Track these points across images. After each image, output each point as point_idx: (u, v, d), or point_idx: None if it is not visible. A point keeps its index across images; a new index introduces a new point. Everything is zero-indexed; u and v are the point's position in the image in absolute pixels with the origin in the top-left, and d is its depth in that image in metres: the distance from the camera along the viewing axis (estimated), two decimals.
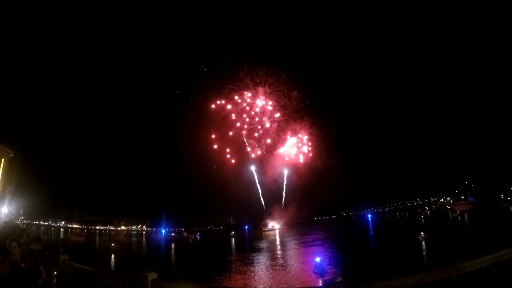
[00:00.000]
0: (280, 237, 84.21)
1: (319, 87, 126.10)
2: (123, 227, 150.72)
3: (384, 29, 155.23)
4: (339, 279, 3.87)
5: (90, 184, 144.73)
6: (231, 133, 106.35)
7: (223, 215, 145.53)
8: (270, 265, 37.99)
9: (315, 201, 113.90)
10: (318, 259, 30.98)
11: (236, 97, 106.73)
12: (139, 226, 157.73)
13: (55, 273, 8.11)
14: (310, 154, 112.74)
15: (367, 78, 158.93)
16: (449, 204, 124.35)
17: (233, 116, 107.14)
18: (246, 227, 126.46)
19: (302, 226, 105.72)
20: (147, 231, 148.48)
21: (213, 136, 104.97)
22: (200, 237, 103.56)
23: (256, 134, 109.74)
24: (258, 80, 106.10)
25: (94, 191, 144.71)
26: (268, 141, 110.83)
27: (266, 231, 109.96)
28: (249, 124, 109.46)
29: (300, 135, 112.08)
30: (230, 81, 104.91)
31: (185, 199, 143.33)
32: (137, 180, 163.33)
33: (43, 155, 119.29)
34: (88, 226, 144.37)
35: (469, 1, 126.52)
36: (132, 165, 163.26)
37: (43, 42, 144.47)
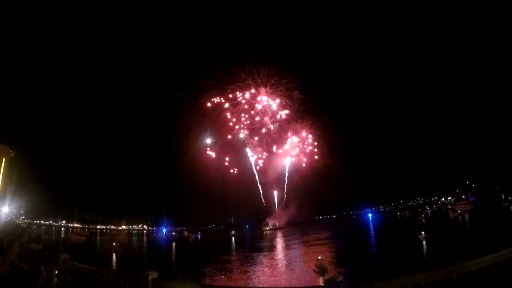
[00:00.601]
0: (280, 236, 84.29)
1: (321, 87, 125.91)
2: (124, 227, 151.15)
3: (384, 30, 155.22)
4: (340, 278, 3.86)
5: (91, 184, 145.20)
6: (229, 137, 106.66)
7: (224, 215, 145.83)
8: (271, 264, 38.04)
9: (316, 201, 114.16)
10: (319, 258, 31.05)
11: (239, 97, 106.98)
12: (139, 226, 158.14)
13: (56, 272, 8.12)
14: (311, 154, 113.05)
15: (368, 78, 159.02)
16: (450, 203, 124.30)
17: (230, 117, 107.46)
18: (247, 226, 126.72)
19: (303, 226, 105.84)
20: (148, 231, 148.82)
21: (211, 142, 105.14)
22: (200, 237, 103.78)
23: (256, 138, 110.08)
24: (259, 80, 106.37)
25: (95, 191, 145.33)
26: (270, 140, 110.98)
27: (267, 230, 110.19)
28: (251, 124, 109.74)
29: (301, 135, 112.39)
30: (232, 82, 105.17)
31: (185, 198, 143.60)
32: (137, 179, 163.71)
33: (44, 155, 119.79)
34: (89, 226, 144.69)
35: (471, 1, 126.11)
36: (133, 164, 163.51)
37: (44, 43, 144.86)
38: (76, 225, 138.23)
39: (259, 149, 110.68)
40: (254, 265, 37.93)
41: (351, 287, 4.22)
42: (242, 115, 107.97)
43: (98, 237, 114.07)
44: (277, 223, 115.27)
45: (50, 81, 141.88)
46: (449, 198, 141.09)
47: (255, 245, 63.21)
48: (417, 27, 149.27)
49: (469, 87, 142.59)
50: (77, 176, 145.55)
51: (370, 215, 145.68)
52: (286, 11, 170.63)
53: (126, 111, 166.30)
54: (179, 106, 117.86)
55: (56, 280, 8.08)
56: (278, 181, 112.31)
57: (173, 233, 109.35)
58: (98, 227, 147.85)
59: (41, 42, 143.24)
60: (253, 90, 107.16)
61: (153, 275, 5.31)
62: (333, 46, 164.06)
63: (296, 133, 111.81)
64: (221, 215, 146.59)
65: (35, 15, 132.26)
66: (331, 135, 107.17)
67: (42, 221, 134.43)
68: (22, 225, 33.55)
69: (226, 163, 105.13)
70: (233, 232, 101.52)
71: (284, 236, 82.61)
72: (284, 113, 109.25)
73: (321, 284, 3.90)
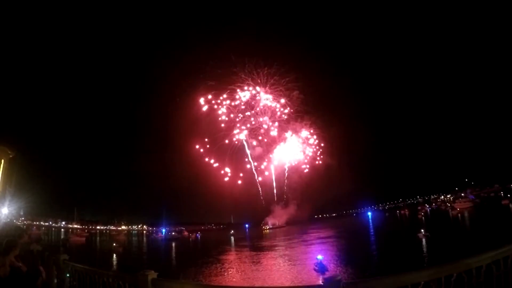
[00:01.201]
0: (280, 235, 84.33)
1: (320, 86, 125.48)
2: (123, 227, 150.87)
3: (384, 30, 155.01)
4: (340, 276, 3.86)
5: (90, 184, 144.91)
6: (229, 138, 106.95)
7: (224, 214, 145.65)
8: (270, 263, 38.06)
9: (316, 199, 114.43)
10: (319, 257, 31.14)
11: (238, 96, 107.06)
12: (139, 226, 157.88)
13: (56, 273, 8.11)
14: (311, 153, 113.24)
15: (368, 76, 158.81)
16: (449, 201, 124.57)
17: (230, 117, 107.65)
18: (247, 225, 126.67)
19: (303, 224, 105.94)
20: (147, 231, 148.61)
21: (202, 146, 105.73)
22: (200, 236, 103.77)
23: (256, 141, 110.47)
24: (259, 81, 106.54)
25: (95, 191, 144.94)
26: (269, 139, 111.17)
27: (266, 229, 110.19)
28: (251, 124, 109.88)
29: (301, 134, 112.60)
30: (231, 82, 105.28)
31: (185, 198, 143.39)
32: (137, 179, 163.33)
33: (43, 156, 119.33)
34: (89, 226, 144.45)
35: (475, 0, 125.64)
36: (132, 164, 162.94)
37: (44, 43, 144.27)
38: (75, 226, 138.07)
39: (258, 148, 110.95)
40: (254, 264, 37.96)
41: (351, 286, 4.21)
42: (242, 115, 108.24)
43: (98, 238, 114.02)
44: (277, 222, 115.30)
45: (50, 81, 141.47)
46: (448, 196, 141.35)
47: (254, 244, 63.25)
48: (415, 27, 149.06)
49: (468, 84, 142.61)
50: (77, 177, 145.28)
51: (369, 213, 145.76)
52: (286, 11, 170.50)
53: (126, 111, 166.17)
54: (179, 106, 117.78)
55: (55, 281, 8.07)
56: (278, 181, 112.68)
57: (173, 233, 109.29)
58: (98, 227, 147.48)
59: (42, 43, 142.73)
60: (253, 91, 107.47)
61: (152, 275, 5.29)
62: (333, 46, 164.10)
63: (295, 132, 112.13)
64: (221, 215, 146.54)
65: (35, 15, 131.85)
66: (330, 134, 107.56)
67: (41, 222, 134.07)
68: (21, 226, 33.53)
69: (227, 168, 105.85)
70: (232, 231, 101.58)
71: (284, 235, 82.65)
72: (283, 112, 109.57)
73: (321, 282, 3.90)
